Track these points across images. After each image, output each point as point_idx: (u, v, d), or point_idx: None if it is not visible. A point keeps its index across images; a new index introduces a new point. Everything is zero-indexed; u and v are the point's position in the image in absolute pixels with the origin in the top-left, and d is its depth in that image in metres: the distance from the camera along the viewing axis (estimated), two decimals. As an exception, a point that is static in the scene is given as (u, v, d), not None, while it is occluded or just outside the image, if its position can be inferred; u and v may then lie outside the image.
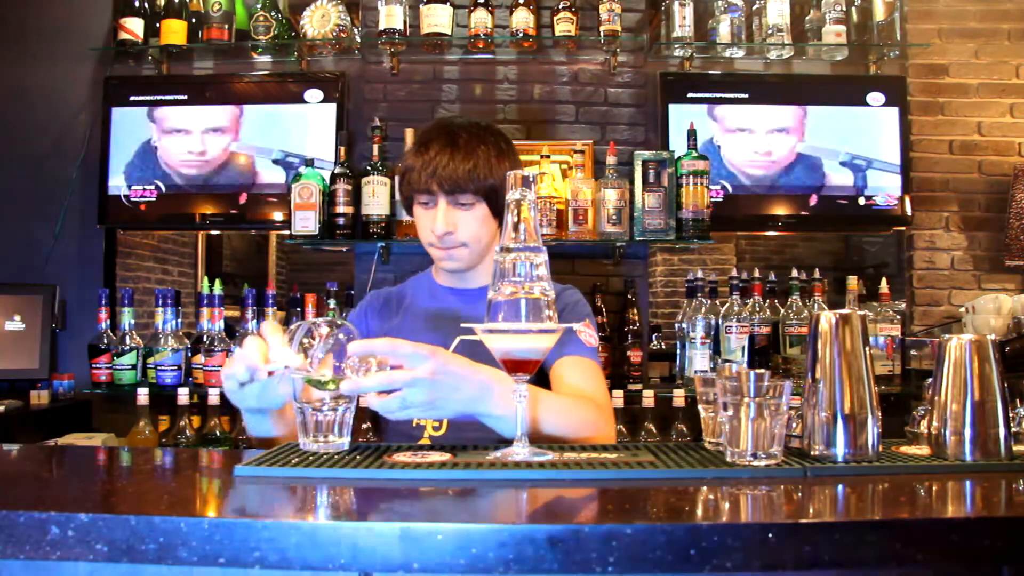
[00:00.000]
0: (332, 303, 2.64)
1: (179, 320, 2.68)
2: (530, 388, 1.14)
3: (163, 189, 2.87)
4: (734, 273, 2.70)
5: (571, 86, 2.95)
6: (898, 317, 2.69)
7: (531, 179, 1.11)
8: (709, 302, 2.67)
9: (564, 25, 2.75)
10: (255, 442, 1.35)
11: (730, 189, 2.87)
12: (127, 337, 2.62)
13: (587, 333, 1.45)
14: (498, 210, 1.50)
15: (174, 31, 2.79)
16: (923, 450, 1.15)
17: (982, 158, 2.98)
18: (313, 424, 1.12)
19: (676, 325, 2.72)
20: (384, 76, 2.93)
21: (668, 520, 0.79)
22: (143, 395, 2.41)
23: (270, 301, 2.58)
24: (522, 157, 2.77)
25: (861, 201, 2.89)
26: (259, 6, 2.80)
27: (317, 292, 2.68)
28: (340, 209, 2.61)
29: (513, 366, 1.09)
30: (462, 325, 1.14)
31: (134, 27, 2.81)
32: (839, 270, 3.26)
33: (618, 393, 2.47)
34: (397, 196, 2.60)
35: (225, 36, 2.82)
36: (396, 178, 2.42)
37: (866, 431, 1.06)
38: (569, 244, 2.68)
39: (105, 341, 2.62)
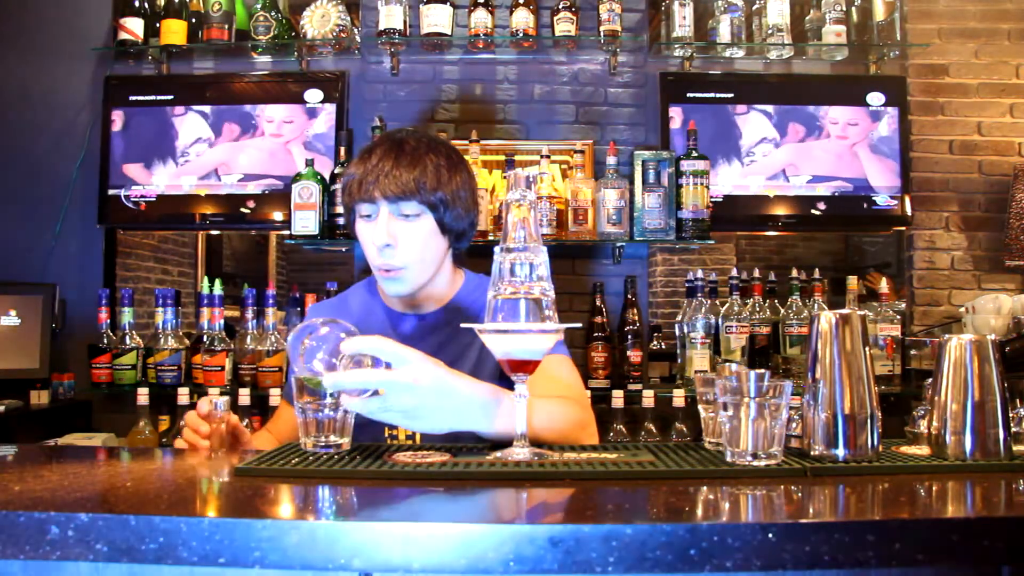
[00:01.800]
0: (332, 303, 2.64)
1: (179, 320, 2.68)
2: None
3: (163, 189, 2.87)
4: (734, 273, 2.70)
5: (571, 86, 2.95)
6: (898, 317, 2.69)
7: (531, 179, 1.11)
8: (709, 302, 2.67)
9: (564, 25, 2.75)
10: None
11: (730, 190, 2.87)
12: (127, 337, 2.62)
13: None
14: (447, 227, 1.42)
15: (174, 31, 2.79)
16: (923, 450, 1.15)
17: (982, 158, 2.98)
18: (313, 424, 1.12)
19: (676, 325, 2.72)
20: (384, 76, 2.93)
21: (668, 520, 0.79)
22: (143, 395, 2.41)
23: (270, 301, 2.57)
24: (522, 157, 2.82)
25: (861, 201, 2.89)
26: (259, 6, 2.80)
27: (317, 292, 2.68)
28: (340, 209, 2.61)
29: (514, 366, 1.09)
30: (462, 325, 1.14)
31: (134, 27, 2.81)
32: (839, 270, 3.26)
33: (618, 393, 2.48)
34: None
35: (225, 36, 2.81)
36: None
37: (866, 431, 1.06)
38: (569, 244, 2.68)
39: (105, 341, 2.62)
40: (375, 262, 1.41)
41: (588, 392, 2.32)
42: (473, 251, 1.57)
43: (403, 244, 1.39)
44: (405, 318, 1.52)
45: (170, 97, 2.90)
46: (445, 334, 1.48)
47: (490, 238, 2.58)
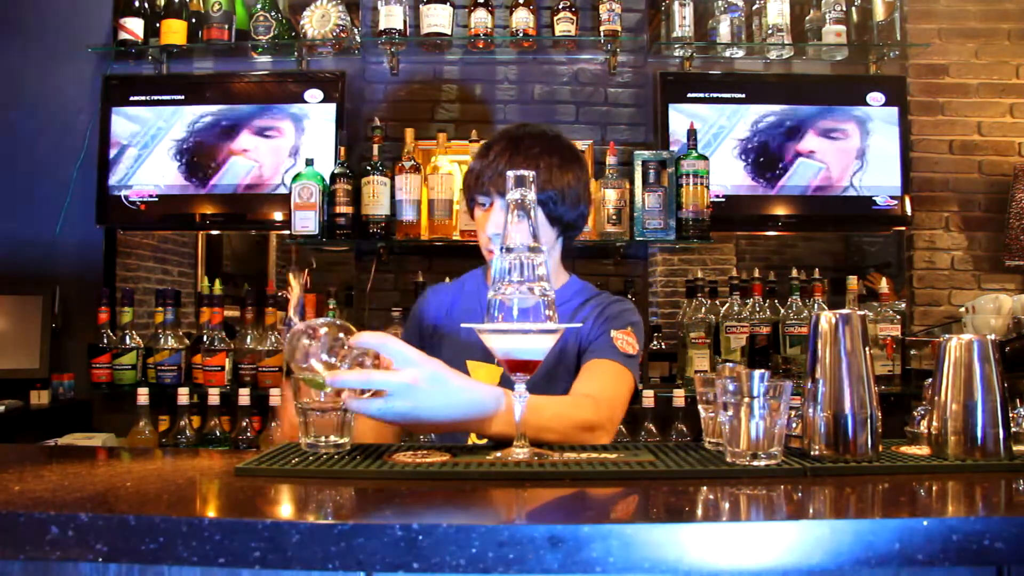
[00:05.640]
0: (332, 303, 2.64)
1: (179, 320, 2.68)
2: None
3: (163, 189, 2.86)
4: (734, 273, 2.71)
5: (571, 86, 2.95)
6: (898, 317, 2.69)
7: (531, 179, 1.11)
8: (709, 302, 2.67)
9: (564, 25, 2.75)
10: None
11: (729, 188, 2.87)
12: (127, 337, 2.62)
13: (624, 340, 1.49)
14: (555, 219, 1.52)
15: (174, 31, 2.79)
16: (923, 450, 1.15)
17: (982, 158, 2.98)
18: (314, 424, 1.12)
19: (676, 325, 2.71)
20: (384, 76, 2.93)
21: (668, 520, 0.79)
22: (143, 395, 2.41)
23: (270, 301, 2.57)
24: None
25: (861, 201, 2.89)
26: (259, 6, 2.80)
27: (317, 292, 2.68)
28: (340, 209, 2.61)
29: (514, 366, 1.09)
30: (462, 325, 1.14)
31: (134, 27, 2.81)
32: (839, 270, 3.26)
33: (618, 393, 2.47)
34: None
35: (225, 36, 2.81)
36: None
37: (866, 431, 1.06)
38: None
39: (105, 341, 2.62)
40: (487, 247, 1.52)
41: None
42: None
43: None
44: None
45: (170, 97, 2.90)
46: None
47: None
